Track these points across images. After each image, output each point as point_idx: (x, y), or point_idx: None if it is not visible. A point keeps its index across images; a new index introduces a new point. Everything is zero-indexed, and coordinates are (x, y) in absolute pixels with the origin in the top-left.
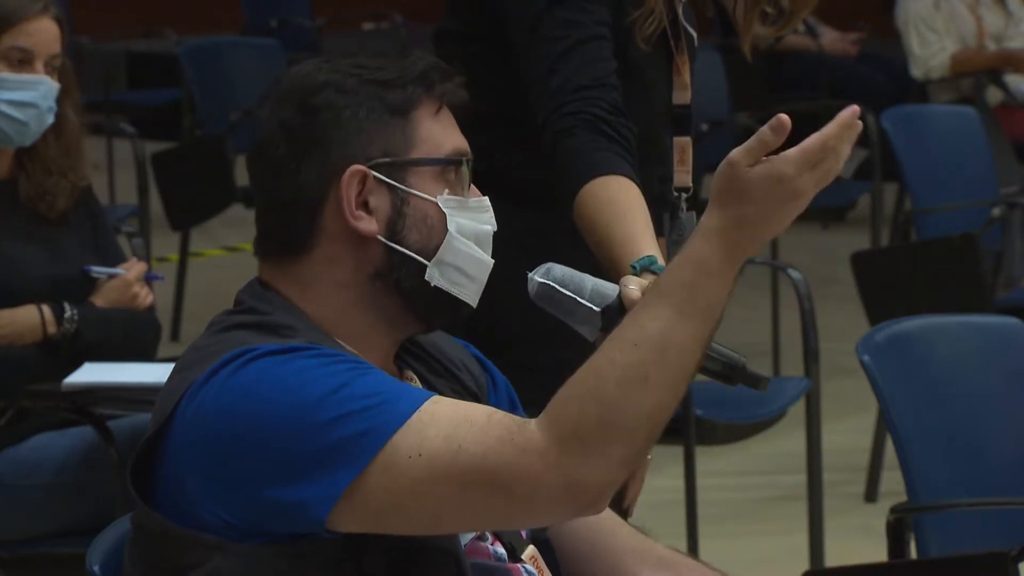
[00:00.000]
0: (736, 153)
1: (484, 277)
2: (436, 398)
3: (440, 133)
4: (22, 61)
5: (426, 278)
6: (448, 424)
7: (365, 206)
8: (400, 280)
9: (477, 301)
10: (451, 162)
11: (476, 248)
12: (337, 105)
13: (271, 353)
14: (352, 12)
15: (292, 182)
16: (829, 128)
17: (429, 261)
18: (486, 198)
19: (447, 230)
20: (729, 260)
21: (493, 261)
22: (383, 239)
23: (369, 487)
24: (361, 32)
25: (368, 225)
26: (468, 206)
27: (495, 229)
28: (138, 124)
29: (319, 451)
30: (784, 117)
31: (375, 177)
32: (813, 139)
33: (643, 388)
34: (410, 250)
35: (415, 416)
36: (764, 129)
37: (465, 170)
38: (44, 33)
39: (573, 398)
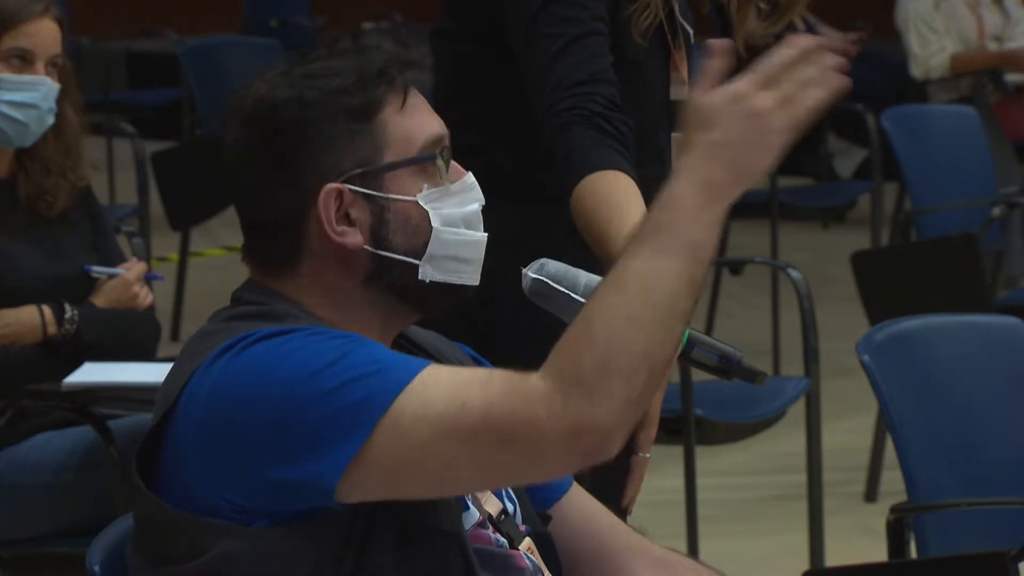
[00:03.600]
0: (692, 94)
1: (480, 254)
2: (435, 364)
3: (410, 127)
4: (23, 61)
5: (419, 278)
6: (450, 384)
7: (347, 218)
8: (392, 282)
9: (478, 279)
10: (424, 159)
11: (466, 231)
12: (301, 121)
13: (268, 336)
14: (352, 12)
15: (268, 206)
16: (783, 50)
17: (420, 259)
18: (469, 174)
19: (432, 226)
20: (703, 194)
21: (486, 235)
22: (369, 248)
23: (376, 453)
24: (361, 32)
25: (352, 238)
26: (451, 193)
27: (483, 203)
28: (138, 124)
29: (323, 422)
30: (716, 41)
31: (351, 190)
32: (766, 60)
33: (631, 327)
34: (398, 253)
35: (416, 380)
36: (707, 61)
37: (441, 161)
38: (45, 34)
39: (568, 346)
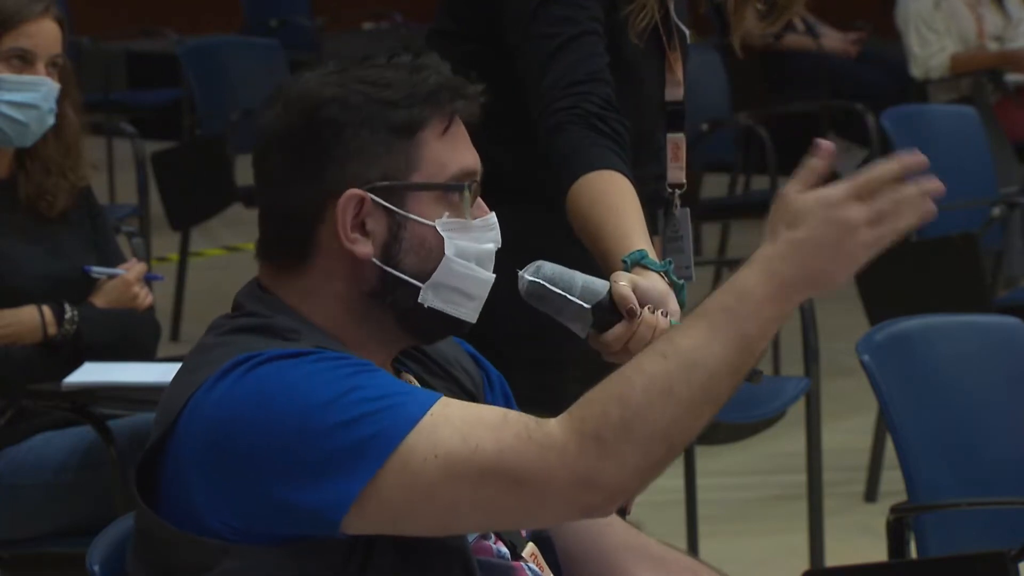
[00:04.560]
0: (787, 186)
1: (484, 294)
2: (446, 400)
3: (445, 154)
4: (23, 62)
5: (419, 300)
6: (462, 424)
7: (362, 227)
8: (395, 302)
9: (476, 317)
10: (451, 188)
11: (476, 268)
12: (340, 122)
13: (277, 358)
14: (352, 12)
15: (289, 196)
16: (885, 164)
17: (423, 284)
18: (492, 215)
19: (444, 255)
20: (772, 290)
21: (494, 276)
22: (378, 262)
23: (384, 490)
24: (361, 32)
25: (363, 248)
26: (470, 227)
27: (499, 245)
28: (138, 124)
29: (330, 455)
30: (825, 142)
31: (373, 200)
32: (865, 172)
33: (665, 399)
34: (405, 274)
35: (427, 418)
36: (809, 159)
37: (467, 194)
38: (45, 34)
39: (597, 399)
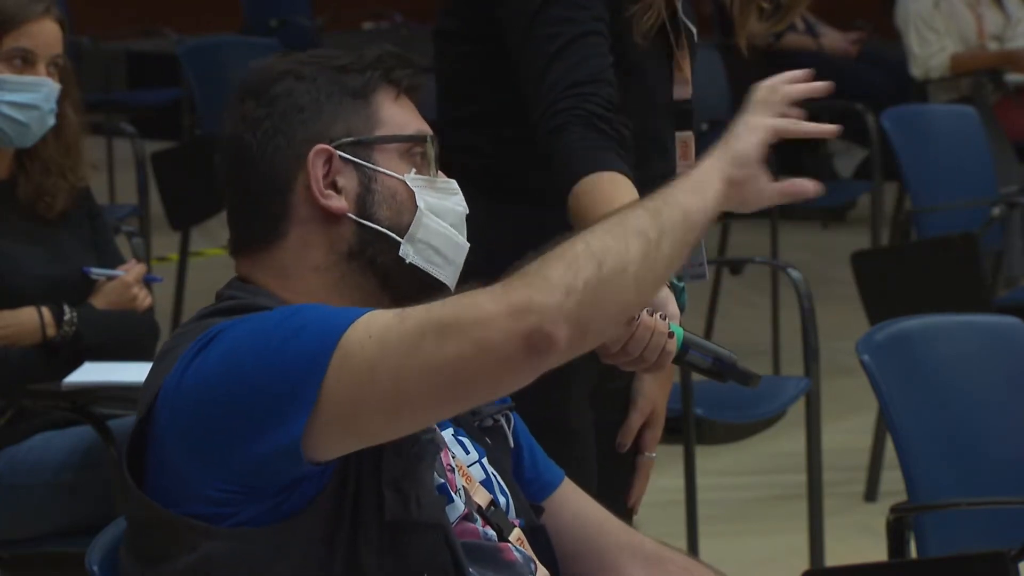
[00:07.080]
0: None
1: (460, 259)
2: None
3: (402, 115)
4: (24, 62)
5: (400, 255)
6: (395, 309)
7: (333, 186)
8: (374, 257)
9: (455, 284)
10: (415, 139)
11: (449, 228)
12: (296, 91)
13: (237, 323)
14: (352, 12)
15: (259, 171)
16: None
17: (402, 238)
18: (453, 181)
19: (417, 207)
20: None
21: (468, 244)
22: (353, 216)
23: (333, 388)
24: (361, 32)
25: (338, 203)
26: (436, 186)
27: (467, 211)
28: (138, 124)
29: (283, 373)
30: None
31: (340, 156)
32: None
33: (575, 239)
34: (381, 226)
35: (364, 316)
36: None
37: (431, 151)
38: (46, 35)
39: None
